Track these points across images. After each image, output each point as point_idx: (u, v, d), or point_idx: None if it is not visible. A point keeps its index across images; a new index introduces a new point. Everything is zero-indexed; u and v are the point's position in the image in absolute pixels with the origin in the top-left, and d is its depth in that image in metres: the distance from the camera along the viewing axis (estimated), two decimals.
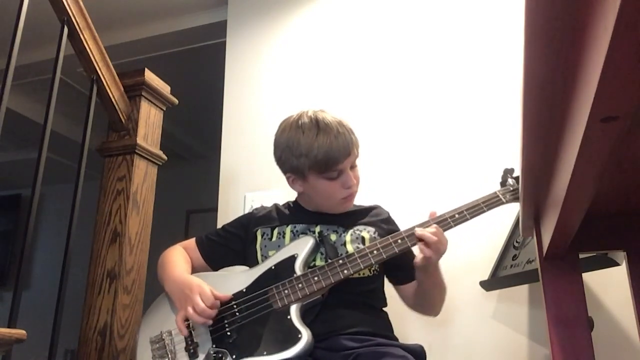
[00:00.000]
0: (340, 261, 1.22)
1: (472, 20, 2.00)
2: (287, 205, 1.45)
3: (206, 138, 3.89)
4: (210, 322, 1.21)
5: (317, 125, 1.27)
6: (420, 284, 1.31)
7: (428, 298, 1.35)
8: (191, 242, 1.45)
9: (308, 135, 1.27)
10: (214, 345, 1.20)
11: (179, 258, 1.39)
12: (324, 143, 1.25)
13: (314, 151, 1.25)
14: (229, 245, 1.42)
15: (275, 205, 1.45)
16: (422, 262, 1.21)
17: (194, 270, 1.39)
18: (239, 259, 1.40)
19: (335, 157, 1.25)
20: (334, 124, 1.28)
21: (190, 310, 1.20)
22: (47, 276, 4.16)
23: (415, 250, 1.25)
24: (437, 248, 1.20)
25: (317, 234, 1.31)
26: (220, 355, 1.17)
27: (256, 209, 1.47)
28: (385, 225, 1.39)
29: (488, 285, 1.57)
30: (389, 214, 1.44)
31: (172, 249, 1.43)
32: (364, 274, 1.29)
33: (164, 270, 1.35)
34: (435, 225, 1.23)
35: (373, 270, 1.32)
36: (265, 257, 1.31)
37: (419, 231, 1.21)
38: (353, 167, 1.31)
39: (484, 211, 1.28)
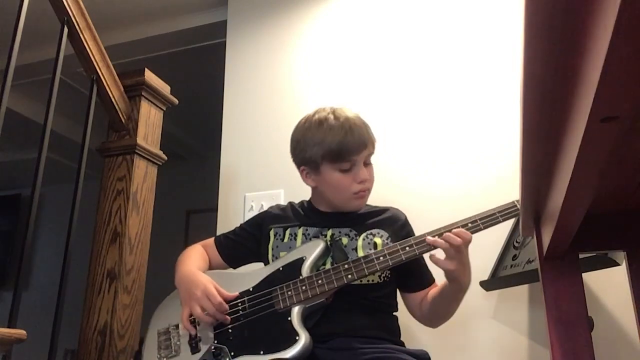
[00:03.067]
0: (346, 266, 1.21)
1: (466, 20, 2.00)
2: (301, 204, 1.43)
3: (206, 138, 3.89)
4: (216, 322, 1.22)
5: (334, 117, 1.29)
6: (444, 292, 1.25)
7: (442, 309, 1.30)
8: (210, 241, 1.46)
9: (324, 126, 1.28)
10: (215, 341, 1.22)
11: (196, 255, 1.40)
12: (338, 133, 1.26)
13: (328, 139, 1.26)
14: (245, 244, 1.42)
15: (290, 204, 1.45)
16: (447, 275, 1.19)
17: (213, 268, 1.41)
18: (255, 257, 1.41)
19: (349, 147, 1.26)
20: (351, 117, 1.30)
21: (198, 309, 1.22)
22: (47, 276, 4.16)
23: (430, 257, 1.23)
24: (451, 255, 1.15)
25: (328, 237, 1.30)
26: (219, 351, 1.19)
27: (271, 207, 1.47)
28: (400, 230, 1.35)
29: (488, 285, 1.57)
30: (405, 217, 1.40)
31: (191, 247, 1.44)
32: (372, 280, 1.26)
33: (177, 266, 1.37)
34: (458, 229, 1.17)
35: (383, 277, 1.28)
36: (276, 258, 1.32)
37: (430, 238, 1.17)
38: (367, 164, 1.32)
39: (500, 221, 1.22)
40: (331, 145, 1.26)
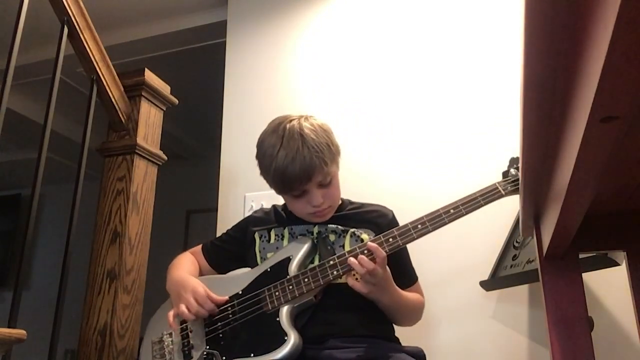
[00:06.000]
0: (331, 262, 1.20)
1: (467, 20, 2.00)
2: (284, 207, 1.43)
3: (206, 138, 3.89)
4: (203, 323, 1.22)
5: (281, 141, 1.22)
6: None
7: (391, 317, 1.29)
8: (198, 248, 1.48)
9: (271, 151, 1.23)
10: (207, 347, 1.22)
11: (186, 262, 1.42)
12: (280, 165, 1.20)
13: (271, 172, 1.23)
14: (230, 249, 1.43)
15: (274, 207, 1.44)
16: (366, 297, 1.18)
17: (203, 274, 1.41)
18: (242, 262, 1.41)
19: (290, 181, 1.21)
20: (299, 142, 1.20)
21: (182, 307, 1.23)
22: (47, 276, 4.16)
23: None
24: (367, 280, 1.14)
25: (315, 234, 1.31)
26: (211, 356, 1.20)
27: (255, 211, 1.48)
28: (388, 228, 1.31)
29: (488, 285, 1.57)
30: (392, 214, 1.39)
31: (181, 255, 1.46)
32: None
33: (169, 273, 1.38)
34: (374, 247, 1.14)
35: None
36: (264, 259, 1.32)
37: (351, 259, 1.15)
38: (323, 185, 1.25)
39: (481, 205, 1.20)
40: (274, 178, 1.23)
